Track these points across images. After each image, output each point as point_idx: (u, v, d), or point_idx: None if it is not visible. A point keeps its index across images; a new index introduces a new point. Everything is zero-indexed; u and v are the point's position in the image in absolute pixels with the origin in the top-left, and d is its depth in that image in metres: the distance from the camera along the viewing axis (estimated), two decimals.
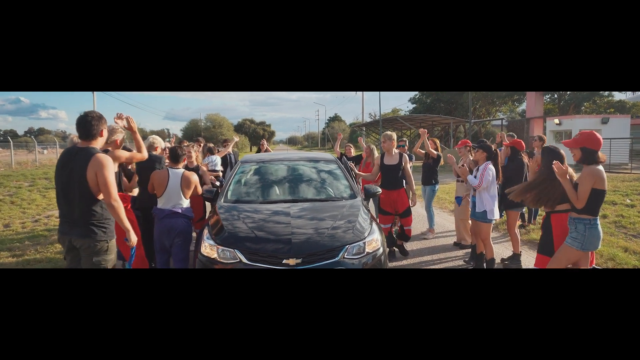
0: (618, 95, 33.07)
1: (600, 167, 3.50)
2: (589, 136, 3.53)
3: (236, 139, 8.80)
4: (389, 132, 6.08)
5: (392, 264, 5.64)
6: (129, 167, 4.97)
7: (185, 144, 7.25)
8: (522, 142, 5.91)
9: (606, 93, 31.23)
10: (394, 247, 6.13)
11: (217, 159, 7.55)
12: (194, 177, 4.57)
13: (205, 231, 3.90)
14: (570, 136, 20.98)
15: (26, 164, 22.12)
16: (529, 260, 5.82)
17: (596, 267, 4.73)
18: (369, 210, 4.45)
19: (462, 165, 5.60)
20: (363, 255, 3.62)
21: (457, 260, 6.00)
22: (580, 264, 3.59)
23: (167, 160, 4.97)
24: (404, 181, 6.06)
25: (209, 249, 3.66)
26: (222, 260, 3.54)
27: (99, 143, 3.26)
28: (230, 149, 8.43)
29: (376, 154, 8.24)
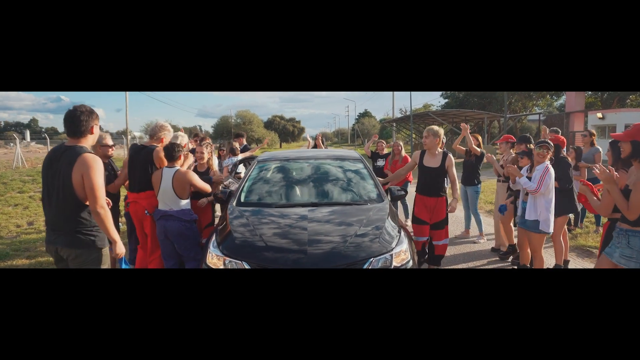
0: None
1: None
2: None
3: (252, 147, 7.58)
4: (435, 127, 4.91)
5: None
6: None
7: (207, 142, 6.36)
8: (564, 139, 5.18)
9: None
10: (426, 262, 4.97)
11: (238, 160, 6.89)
12: (189, 176, 4.17)
13: (213, 239, 3.50)
14: (615, 131, 19.72)
15: None
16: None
17: None
18: (397, 216, 3.95)
19: (507, 165, 4.84)
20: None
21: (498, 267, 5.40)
22: None
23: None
24: (446, 187, 4.99)
25: (215, 259, 3.26)
26: None
27: (88, 141, 2.90)
28: (248, 152, 7.44)
29: (403, 152, 7.69)
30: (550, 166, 4.30)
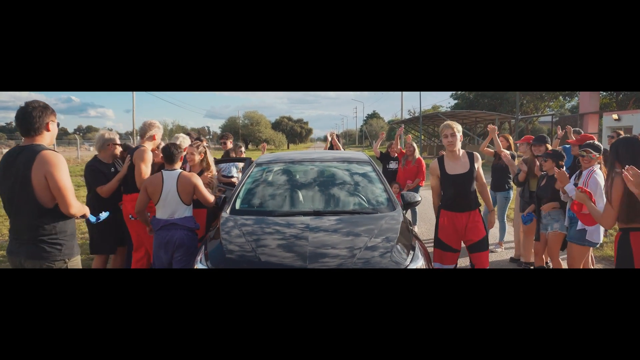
0: None
1: None
2: None
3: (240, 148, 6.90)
4: (449, 122, 3.84)
5: None
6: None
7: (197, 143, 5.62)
8: (595, 138, 4.64)
9: None
10: None
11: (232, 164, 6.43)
12: (195, 179, 3.77)
13: (201, 252, 3.10)
14: (631, 133, 19.11)
15: (69, 161, 22.35)
16: None
17: None
18: (411, 227, 3.52)
19: (556, 170, 4.05)
20: None
21: None
22: None
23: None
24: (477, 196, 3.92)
25: None
26: None
27: (45, 139, 2.59)
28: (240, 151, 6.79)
29: (417, 153, 7.14)
30: (598, 171, 3.81)
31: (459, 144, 3.78)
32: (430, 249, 3.82)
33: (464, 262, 5.14)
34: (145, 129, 4.23)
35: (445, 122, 3.89)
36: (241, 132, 60.02)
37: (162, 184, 3.69)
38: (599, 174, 3.78)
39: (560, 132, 6.74)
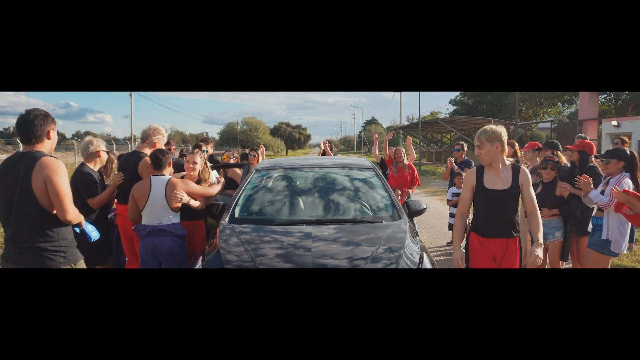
0: None
1: None
2: None
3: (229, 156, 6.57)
4: (491, 127, 3.12)
5: None
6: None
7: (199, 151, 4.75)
8: (592, 144, 4.38)
9: None
10: None
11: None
12: (188, 186, 3.64)
13: (199, 262, 2.96)
14: (631, 139, 19.06)
15: (66, 166, 22.15)
16: None
17: None
18: (417, 236, 3.39)
19: (578, 177, 3.84)
20: None
21: None
22: None
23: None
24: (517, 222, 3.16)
25: None
26: None
27: (46, 147, 2.62)
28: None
29: (406, 160, 6.86)
30: (627, 179, 3.69)
31: (496, 156, 3.07)
32: (437, 259, 3.68)
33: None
34: (149, 133, 4.06)
35: (482, 129, 3.16)
36: (240, 137, 59.89)
37: (149, 190, 3.56)
38: (628, 182, 3.67)
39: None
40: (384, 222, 3.41)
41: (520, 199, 3.14)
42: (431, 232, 7.73)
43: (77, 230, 2.78)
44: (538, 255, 2.91)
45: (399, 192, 6.40)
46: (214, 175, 4.38)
